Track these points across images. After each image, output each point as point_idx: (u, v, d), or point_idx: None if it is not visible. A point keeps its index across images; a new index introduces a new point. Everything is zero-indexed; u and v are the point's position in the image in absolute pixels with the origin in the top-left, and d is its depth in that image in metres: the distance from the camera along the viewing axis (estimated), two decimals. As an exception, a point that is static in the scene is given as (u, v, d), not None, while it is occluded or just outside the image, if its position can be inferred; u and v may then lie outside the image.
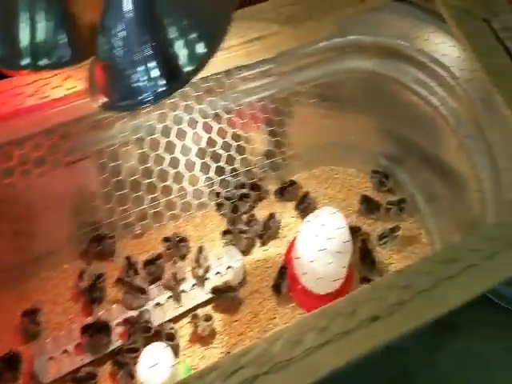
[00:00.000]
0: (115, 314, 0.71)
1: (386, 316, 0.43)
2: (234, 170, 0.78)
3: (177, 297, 0.72)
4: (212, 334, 0.70)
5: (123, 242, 0.77)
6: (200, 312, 0.71)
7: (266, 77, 0.64)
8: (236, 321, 0.73)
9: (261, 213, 0.81)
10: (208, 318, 0.69)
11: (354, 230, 0.77)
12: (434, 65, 0.64)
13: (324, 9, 0.60)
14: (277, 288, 0.73)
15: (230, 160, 0.75)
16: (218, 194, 0.79)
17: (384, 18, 0.64)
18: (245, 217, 0.78)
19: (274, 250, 0.79)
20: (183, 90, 0.58)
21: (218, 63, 0.56)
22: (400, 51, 0.67)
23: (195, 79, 0.56)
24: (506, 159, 0.59)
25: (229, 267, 0.74)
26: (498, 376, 0.75)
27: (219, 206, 0.80)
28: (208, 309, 0.73)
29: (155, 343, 0.60)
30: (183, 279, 0.73)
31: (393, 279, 0.45)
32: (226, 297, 0.71)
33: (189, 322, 0.71)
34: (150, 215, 0.74)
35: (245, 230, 0.77)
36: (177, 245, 0.75)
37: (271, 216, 0.78)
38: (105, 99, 0.42)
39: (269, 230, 0.77)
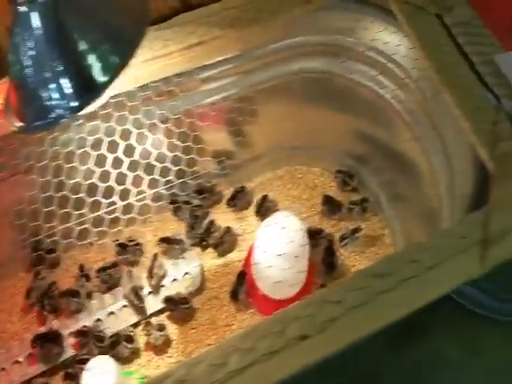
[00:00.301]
0: (69, 323, 0.69)
1: (316, 334, 0.41)
2: (193, 172, 0.76)
3: (133, 306, 0.70)
4: (167, 343, 0.69)
5: (77, 249, 0.74)
6: (154, 321, 0.69)
7: (212, 81, 0.62)
8: (193, 328, 0.71)
9: (219, 217, 0.78)
10: (161, 328, 0.68)
11: (316, 232, 0.76)
12: (387, 62, 0.62)
13: (270, 11, 0.57)
14: (234, 294, 0.71)
15: (188, 164, 0.73)
16: (173, 201, 0.77)
17: (333, 17, 0.62)
18: (205, 222, 0.76)
19: (234, 255, 0.77)
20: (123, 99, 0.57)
21: (156, 71, 0.54)
22: (351, 49, 0.64)
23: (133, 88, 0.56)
24: (458, 159, 0.57)
25: (186, 273, 0.73)
26: (463, 380, 0.74)
27: (176, 210, 0.77)
28: (163, 317, 0.71)
29: (100, 356, 0.59)
30: (140, 288, 0.71)
31: (325, 295, 0.44)
32: (179, 307, 0.69)
33: (142, 331, 0.69)
34: (107, 221, 0.73)
35: (203, 237, 0.75)
36: (131, 250, 0.73)
37: (228, 229, 0.75)
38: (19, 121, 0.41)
39: (224, 245, 0.75)
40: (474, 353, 0.74)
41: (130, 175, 0.65)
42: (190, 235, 0.76)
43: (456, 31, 0.58)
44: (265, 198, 0.78)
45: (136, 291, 0.70)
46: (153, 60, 0.53)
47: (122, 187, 0.65)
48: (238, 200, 0.78)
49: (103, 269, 0.71)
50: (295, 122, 0.79)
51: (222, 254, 0.76)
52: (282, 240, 0.66)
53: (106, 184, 0.64)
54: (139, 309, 0.70)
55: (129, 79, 0.54)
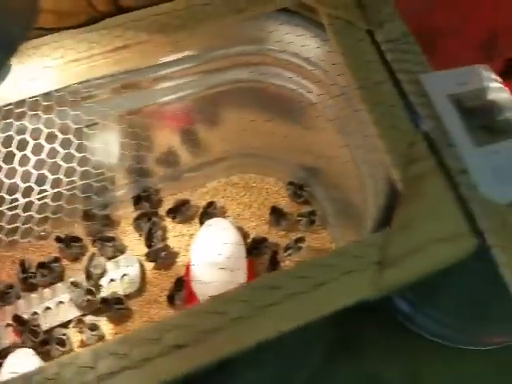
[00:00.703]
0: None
1: (192, 344, 0.42)
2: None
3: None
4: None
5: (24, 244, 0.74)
6: (87, 319, 0.70)
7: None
8: (129, 330, 0.71)
9: (167, 220, 0.79)
10: (93, 328, 0.68)
11: (260, 242, 0.76)
12: (319, 72, 0.62)
13: (199, 19, 0.57)
14: (171, 299, 0.71)
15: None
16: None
17: (264, 27, 0.62)
18: (147, 226, 0.76)
19: (179, 259, 0.77)
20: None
21: (79, 72, 0.54)
22: (280, 59, 0.64)
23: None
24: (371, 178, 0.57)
25: (124, 275, 0.73)
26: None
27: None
28: (101, 317, 0.71)
29: (21, 349, 0.61)
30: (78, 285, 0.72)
31: (209, 305, 0.44)
32: (114, 308, 0.70)
33: (74, 328, 0.70)
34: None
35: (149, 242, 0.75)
36: (69, 245, 0.74)
37: (165, 247, 0.75)
38: None
39: (159, 260, 0.75)
40: (412, 376, 0.73)
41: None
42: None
43: (385, 48, 0.57)
44: (211, 204, 0.79)
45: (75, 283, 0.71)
46: (76, 62, 0.54)
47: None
48: (178, 213, 0.78)
49: (42, 264, 0.72)
50: (250, 129, 0.79)
51: (168, 258, 0.76)
52: (215, 249, 0.67)
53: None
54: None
55: (49, 80, 0.55)
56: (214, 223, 0.71)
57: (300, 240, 0.75)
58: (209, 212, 0.77)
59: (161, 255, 0.74)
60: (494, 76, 0.57)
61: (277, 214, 0.78)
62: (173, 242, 0.78)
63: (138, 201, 0.78)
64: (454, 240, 0.44)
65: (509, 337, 0.70)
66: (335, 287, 0.44)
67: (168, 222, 0.80)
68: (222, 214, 0.80)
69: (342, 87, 0.58)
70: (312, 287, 0.44)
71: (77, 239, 0.75)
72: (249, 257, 0.74)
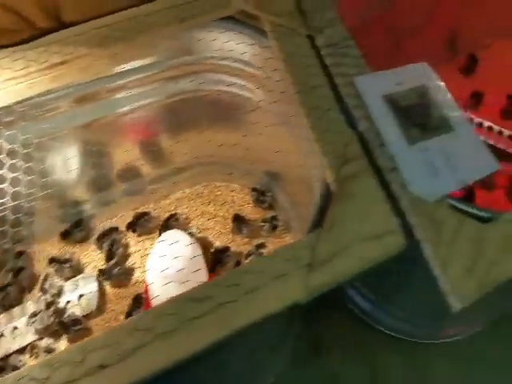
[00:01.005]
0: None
1: (116, 363, 0.41)
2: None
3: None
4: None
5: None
6: (43, 343, 0.70)
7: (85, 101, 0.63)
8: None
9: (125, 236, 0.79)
10: (50, 351, 0.68)
11: (223, 251, 0.76)
12: (265, 79, 0.63)
13: (140, 30, 0.58)
14: (129, 316, 0.71)
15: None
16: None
17: (208, 36, 0.62)
18: (107, 243, 0.77)
19: (137, 276, 0.77)
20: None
21: (15, 92, 0.54)
22: (224, 66, 0.65)
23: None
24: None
25: (82, 295, 0.73)
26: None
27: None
28: (59, 338, 0.70)
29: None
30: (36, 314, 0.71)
31: (132, 323, 0.43)
32: (72, 330, 0.69)
33: (28, 353, 0.69)
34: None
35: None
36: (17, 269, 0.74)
37: (118, 264, 0.75)
38: None
39: (113, 278, 0.75)
40: (369, 370, 0.73)
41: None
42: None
43: (325, 52, 0.58)
44: (172, 216, 0.79)
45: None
46: (13, 80, 0.54)
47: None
48: (137, 227, 0.78)
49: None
50: (211, 138, 0.80)
51: (124, 275, 0.76)
52: (172, 262, 0.67)
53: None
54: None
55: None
56: (167, 237, 0.71)
57: (261, 246, 0.76)
58: (169, 224, 0.78)
59: (113, 272, 0.74)
60: (432, 73, 0.58)
61: (239, 221, 0.79)
62: (135, 257, 0.79)
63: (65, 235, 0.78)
64: (384, 238, 0.44)
65: (460, 330, 0.71)
66: (266, 293, 0.43)
67: (132, 238, 0.80)
68: (185, 225, 0.80)
69: (280, 93, 0.59)
70: (242, 295, 0.43)
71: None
72: (212, 267, 0.74)
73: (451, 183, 0.48)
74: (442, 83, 0.57)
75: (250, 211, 0.82)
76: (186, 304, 0.43)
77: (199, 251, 0.69)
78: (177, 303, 0.43)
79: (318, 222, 0.48)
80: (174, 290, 0.67)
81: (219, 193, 0.85)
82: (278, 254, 0.46)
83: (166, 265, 0.66)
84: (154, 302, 0.69)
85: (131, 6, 0.61)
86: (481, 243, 0.43)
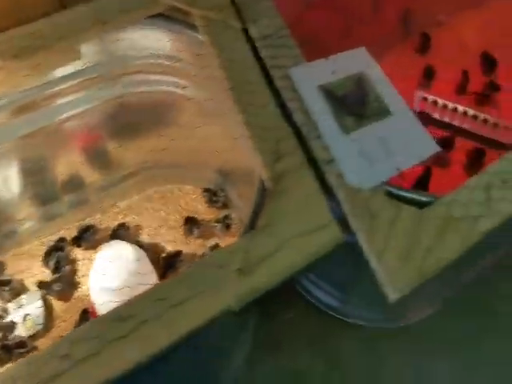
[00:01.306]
0: None
1: None
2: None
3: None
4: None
5: None
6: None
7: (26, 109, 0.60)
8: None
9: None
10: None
11: (174, 256, 0.73)
12: (201, 77, 0.62)
13: (60, 36, 0.54)
14: None
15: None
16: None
17: (134, 35, 0.60)
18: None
19: (84, 289, 0.73)
20: None
21: None
22: (156, 66, 0.63)
23: None
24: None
25: (27, 315, 0.70)
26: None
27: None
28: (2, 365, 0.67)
29: None
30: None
31: (51, 349, 0.40)
32: (16, 353, 0.66)
33: None
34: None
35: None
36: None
37: (58, 279, 0.72)
38: None
39: (52, 293, 0.71)
40: (332, 361, 0.72)
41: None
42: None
43: (260, 44, 0.56)
44: (121, 225, 0.76)
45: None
46: None
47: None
48: (82, 241, 0.75)
49: None
50: (156, 140, 0.77)
51: (69, 290, 0.72)
52: (115, 273, 0.65)
53: None
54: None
55: None
56: (109, 250, 0.68)
57: (215, 247, 0.74)
58: (118, 234, 0.74)
59: (56, 288, 0.71)
60: (369, 59, 0.57)
61: (191, 223, 0.76)
62: (83, 270, 0.74)
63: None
64: (320, 232, 0.42)
65: (419, 311, 0.70)
66: (193, 305, 0.41)
67: (79, 252, 0.76)
68: (135, 233, 0.77)
69: (215, 90, 0.58)
70: (168, 309, 0.40)
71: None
72: (163, 273, 0.71)
73: (388, 170, 0.47)
74: (379, 68, 0.56)
75: (204, 212, 0.80)
76: (108, 324, 0.40)
77: (145, 260, 0.66)
78: (97, 325, 0.40)
79: (253, 223, 0.47)
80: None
81: (170, 195, 0.82)
82: (207, 261, 0.43)
83: (108, 279, 0.63)
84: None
85: (48, 13, 0.58)
86: (417, 230, 0.42)
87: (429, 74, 0.88)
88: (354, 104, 0.52)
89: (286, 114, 0.52)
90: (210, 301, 0.40)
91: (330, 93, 0.52)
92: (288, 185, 0.45)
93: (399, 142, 0.49)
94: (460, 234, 0.40)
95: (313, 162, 0.47)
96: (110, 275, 0.64)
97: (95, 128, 0.72)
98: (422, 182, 0.76)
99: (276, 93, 0.53)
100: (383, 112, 0.51)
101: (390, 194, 0.45)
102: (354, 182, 0.45)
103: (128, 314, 0.40)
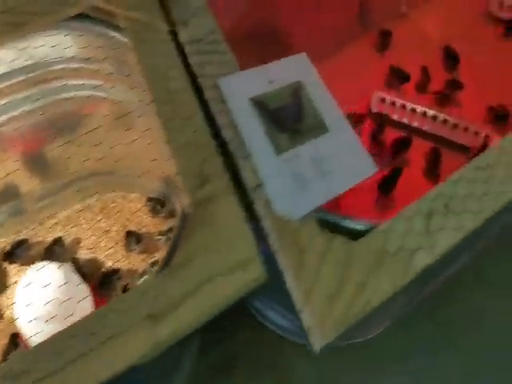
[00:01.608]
0: None
1: None
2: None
3: None
4: None
5: None
6: None
7: None
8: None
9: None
10: None
11: (111, 274, 0.68)
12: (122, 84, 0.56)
13: None
14: (5, 357, 0.62)
15: None
16: None
17: (52, 38, 0.54)
18: None
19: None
20: None
21: None
22: (80, 71, 0.58)
23: None
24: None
25: None
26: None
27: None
28: None
29: None
30: None
31: None
32: None
33: None
34: None
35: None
36: None
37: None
38: None
39: None
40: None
41: None
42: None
43: (189, 50, 0.51)
44: (57, 240, 0.70)
45: None
46: None
47: None
48: (15, 257, 0.69)
49: None
50: (96, 144, 0.71)
51: None
52: (40, 303, 0.60)
53: None
54: None
55: None
56: (32, 275, 0.62)
57: (155, 263, 0.69)
58: (54, 249, 0.69)
59: None
60: (309, 66, 0.52)
61: (132, 236, 0.71)
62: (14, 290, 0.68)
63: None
64: (244, 267, 0.37)
65: (381, 325, 0.68)
66: (98, 356, 0.36)
67: (13, 268, 0.70)
68: (73, 247, 0.71)
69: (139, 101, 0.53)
70: (67, 363, 0.35)
71: None
72: (100, 293, 0.66)
73: (321, 195, 0.43)
74: (319, 77, 0.51)
75: (149, 222, 0.75)
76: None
77: (75, 282, 0.61)
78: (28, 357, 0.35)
79: (169, 259, 0.42)
80: (52, 329, 0.59)
81: (114, 205, 0.77)
82: (111, 308, 0.38)
83: (35, 301, 0.58)
84: (32, 343, 0.62)
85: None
86: (349, 264, 0.38)
87: (394, 73, 0.83)
88: (289, 119, 0.47)
89: (214, 130, 0.47)
90: (115, 353, 0.35)
91: (262, 106, 0.47)
92: (211, 214, 0.40)
93: (336, 161, 0.44)
94: (393, 273, 0.37)
95: (240, 186, 0.43)
96: (35, 305, 0.59)
97: (28, 134, 0.66)
98: (386, 183, 0.72)
99: (204, 105, 0.49)
100: (321, 127, 0.47)
101: (323, 222, 0.41)
102: (283, 210, 0.40)
103: (20, 369, 0.35)
